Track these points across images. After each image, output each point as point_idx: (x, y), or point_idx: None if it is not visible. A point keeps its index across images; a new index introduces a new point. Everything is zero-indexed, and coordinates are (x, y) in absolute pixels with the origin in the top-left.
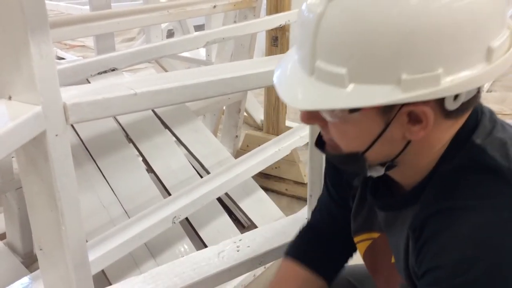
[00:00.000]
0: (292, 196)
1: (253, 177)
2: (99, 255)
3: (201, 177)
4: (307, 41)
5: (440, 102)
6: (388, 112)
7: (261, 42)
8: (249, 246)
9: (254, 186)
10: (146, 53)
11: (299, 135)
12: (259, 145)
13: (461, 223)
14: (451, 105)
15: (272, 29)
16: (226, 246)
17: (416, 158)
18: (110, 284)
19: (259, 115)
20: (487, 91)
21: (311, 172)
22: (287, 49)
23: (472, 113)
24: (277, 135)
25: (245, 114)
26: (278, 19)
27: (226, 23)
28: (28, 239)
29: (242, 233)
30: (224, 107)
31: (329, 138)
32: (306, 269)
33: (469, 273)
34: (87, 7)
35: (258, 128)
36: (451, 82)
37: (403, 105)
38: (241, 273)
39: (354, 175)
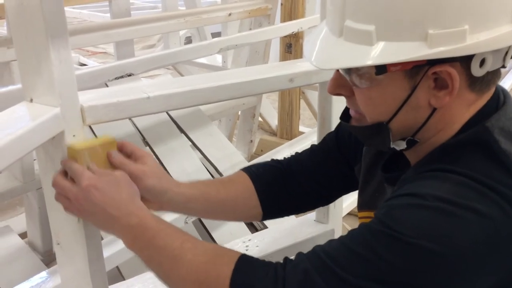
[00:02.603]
0: None
1: None
2: (113, 252)
3: None
4: (337, 2)
5: (467, 66)
6: (414, 74)
7: (276, 48)
8: (257, 246)
9: None
10: (161, 59)
11: (312, 140)
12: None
13: (440, 179)
14: (477, 71)
15: (286, 36)
16: (235, 246)
17: (436, 136)
18: (124, 280)
19: (273, 121)
20: None
21: None
22: (301, 55)
23: (491, 101)
24: (291, 139)
25: (260, 119)
26: (292, 26)
27: (241, 30)
28: (48, 238)
29: None
30: (239, 112)
31: (355, 111)
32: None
33: (420, 211)
34: (109, 14)
35: (273, 133)
36: (477, 39)
37: (429, 67)
38: None
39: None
